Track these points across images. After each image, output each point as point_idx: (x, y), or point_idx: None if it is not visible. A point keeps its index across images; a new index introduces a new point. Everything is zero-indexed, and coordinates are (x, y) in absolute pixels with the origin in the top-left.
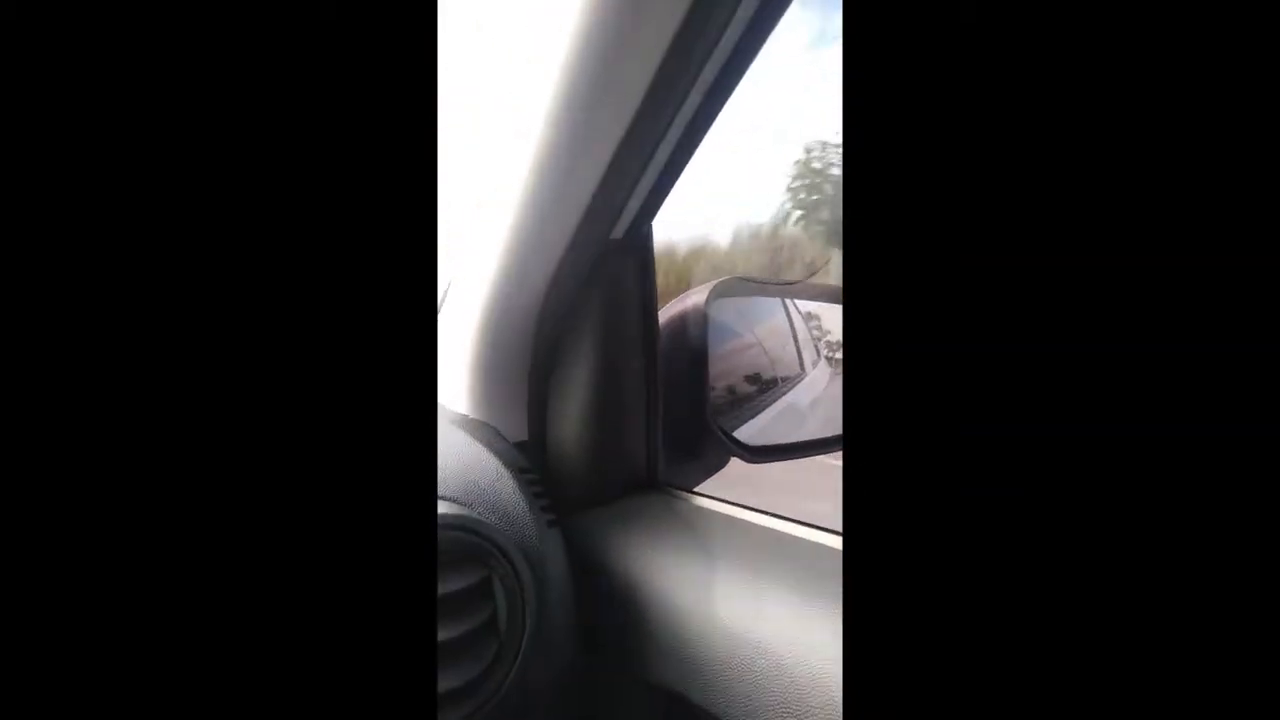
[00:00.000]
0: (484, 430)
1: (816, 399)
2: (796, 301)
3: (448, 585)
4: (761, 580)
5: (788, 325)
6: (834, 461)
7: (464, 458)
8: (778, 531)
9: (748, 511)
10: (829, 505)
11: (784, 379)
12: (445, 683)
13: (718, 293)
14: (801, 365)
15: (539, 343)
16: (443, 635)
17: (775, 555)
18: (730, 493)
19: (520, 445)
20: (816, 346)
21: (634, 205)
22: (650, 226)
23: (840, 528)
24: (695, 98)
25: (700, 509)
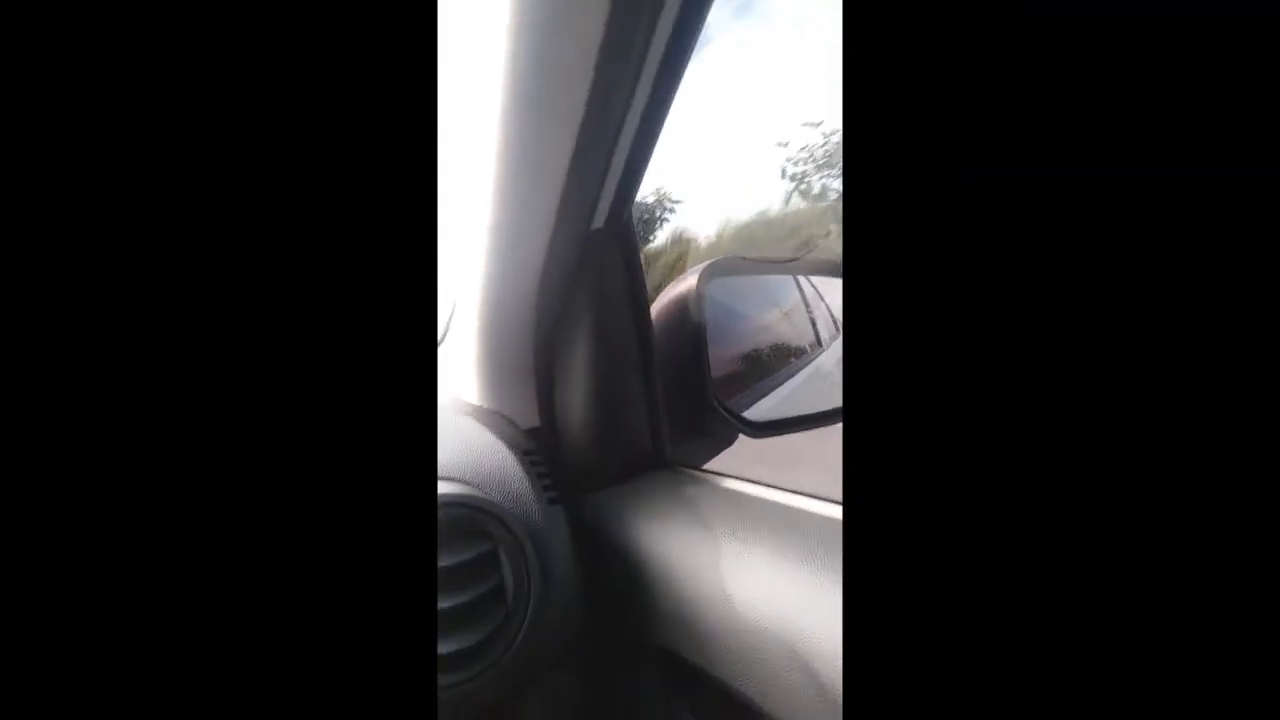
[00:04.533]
0: (494, 418)
1: (834, 371)
2: (811, 278)
3: (455, 557)
4: (757, 547)
5: (801, 301)
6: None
7: (472, 443)
8: (774, 502)
9: (749, 484)
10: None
11: (798, 354)
12: (456, 644)
13: (711, 273)
14: (818, 340)
15: (538, 334)
16: (452, 602)
17: (770, 524)
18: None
19: (533, 431)
20: (833, 319)
21: (609, 193)
22: (630, 212)
23: (835, 497)
24: (647, 80)
25: (703, 484)
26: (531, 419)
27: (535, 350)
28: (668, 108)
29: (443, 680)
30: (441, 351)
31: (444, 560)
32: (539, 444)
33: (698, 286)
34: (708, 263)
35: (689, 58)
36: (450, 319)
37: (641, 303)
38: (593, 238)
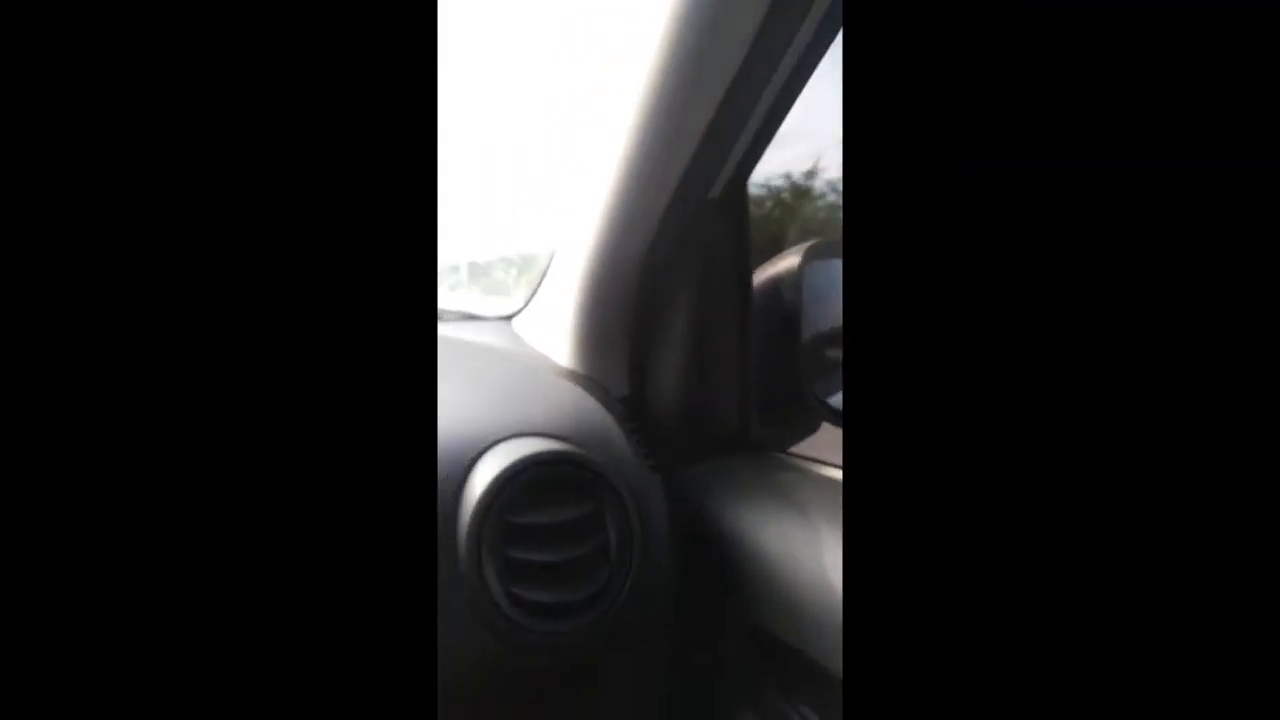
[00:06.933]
0: (589, 384)
1: None
2: None
3: (564, 514)
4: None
5: None
6: None
7: (573, 403)
8: None
9: (835, 470)
10: None
11: None
12: (563, 596)
13: (813, 254)
14: None
15: (639, 302)
16: (561, 556)
17: None
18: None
19: (621, 400)
20: None
21: (730, 165)
22: (746, 187)
23: None
24: (791, 56)
25: (794, 469)
26: (622, 387)
27: (634, 317)
28: (804, 85)
29: (541, 627)
30: (531, 310)
31: (553, 516)
32: (631, 414)
33: (799, 267)
34: (810, 243)
35: (835, 35)
36: (544, 277)
37: (745, 279)
38: (707, 208)
